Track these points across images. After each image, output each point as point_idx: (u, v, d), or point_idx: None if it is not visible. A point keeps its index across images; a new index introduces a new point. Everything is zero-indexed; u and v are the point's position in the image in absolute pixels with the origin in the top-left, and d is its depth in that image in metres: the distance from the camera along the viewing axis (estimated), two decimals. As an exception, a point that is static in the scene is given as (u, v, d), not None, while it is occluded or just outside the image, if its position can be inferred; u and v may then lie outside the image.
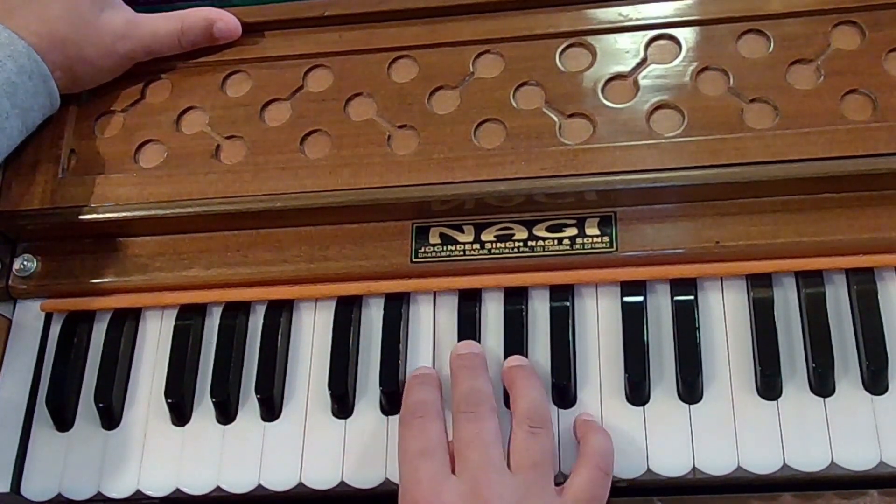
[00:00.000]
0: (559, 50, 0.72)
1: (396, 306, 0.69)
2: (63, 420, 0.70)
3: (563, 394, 0.65)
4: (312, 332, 0.70)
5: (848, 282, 0.65)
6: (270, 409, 0.68)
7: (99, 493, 0.68)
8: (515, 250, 0.68)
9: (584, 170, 0.67)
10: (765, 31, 0.70)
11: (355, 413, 0.67)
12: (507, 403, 0.65)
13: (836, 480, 0.62)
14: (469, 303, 0.69)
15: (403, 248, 0.69)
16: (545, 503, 0.58)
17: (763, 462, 0.62)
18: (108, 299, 0.72)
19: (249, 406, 0.69)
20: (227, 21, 0.75)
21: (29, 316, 0.74)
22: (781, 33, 0.69)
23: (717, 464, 0.62)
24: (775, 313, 0.64)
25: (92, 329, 0.73)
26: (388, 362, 0.68)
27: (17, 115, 0.69)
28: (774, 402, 0.63)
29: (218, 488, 0.67)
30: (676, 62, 0.70)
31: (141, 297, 0.72)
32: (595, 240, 0.67)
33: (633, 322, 0.66)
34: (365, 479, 0.65)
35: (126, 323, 0.72)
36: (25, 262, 0.73)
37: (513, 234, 0.69)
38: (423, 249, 0.69)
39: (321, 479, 0.66)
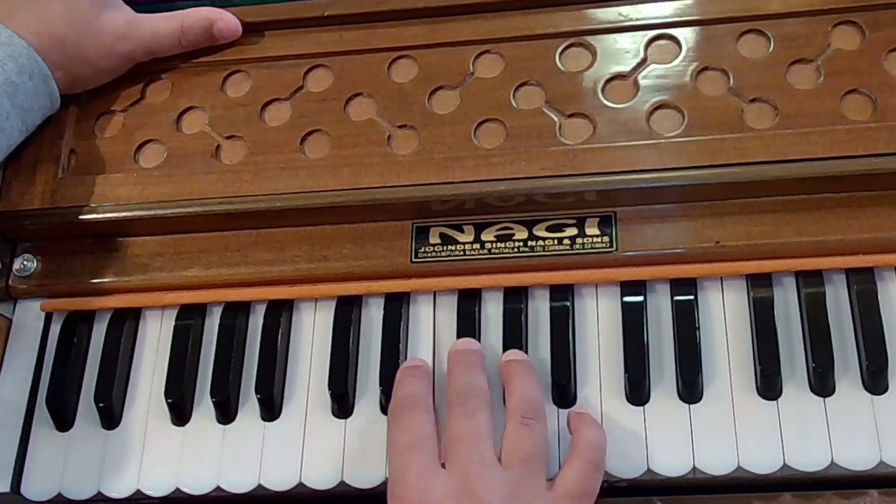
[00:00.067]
0: (559, 50, 0.72)
1: (396, 306, 0.69)
2: (63, 420, 0.70)
3: (564, 393, 0.65)
4: (312, 332, 0.70)
5: (848, 282, 0.65)
6: (270, 409, 0.68)
7: (99, 493, 0.68)
8: (515, 250, 0.68)
9: (584, 170, 0.67)
10: (765, 31, 0.70)
11: (355, 413, 0.67)
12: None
13: (836, 480, 0.62)
14: (469, 303, 0.69)
15: (403, 248, 0.70)
16: (535, 498, 0.57)
17: (763, 462, 0.62)
18: (108, 299, 0.72)
19: (249, 406, 0.69)
20: (227, 21, 0.75)
21: (29, 316, 0.74)
22: (781, 33, 0.69)
23: (717, 464, 0.62)
24: (775, 313, 0.65)
25: (92, 329, 0.73)
26: (388, 362, 0.68)
27: (17, 115, 0.69)
28: (774, 402, 0.63)
29: (218, 488, 0.67)
30: (676, 62, 0.70)
31: (141, 297, 0.72)
32: (595, 240, 0.67)
33: (633, 322, 0.66)
34: (365, 478, 0.65)
35: (126, 323, 0.72)
36: (25, 262, 0.73)
37: (513, 234, 0.69)
38: (423, 249, 0.69)
39: (321, 479, 0.66)
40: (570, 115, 0.69)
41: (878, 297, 0.64)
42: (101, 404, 0.69)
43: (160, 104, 0.76)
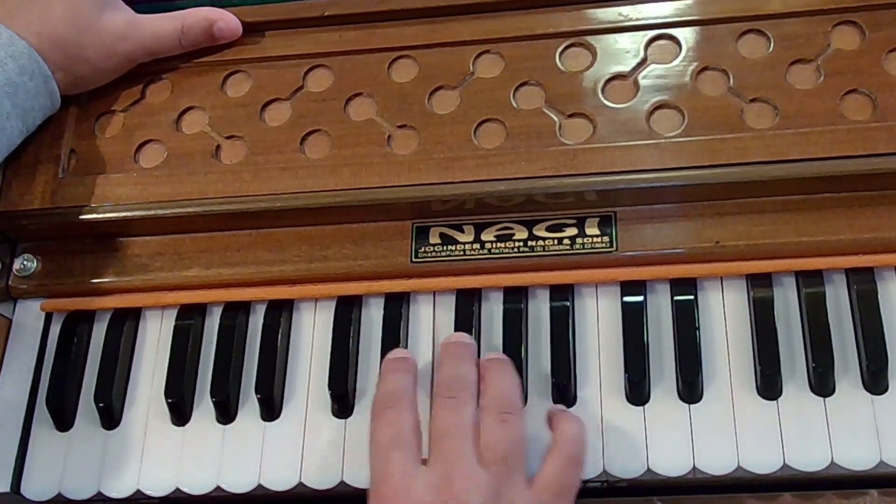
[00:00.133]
0: (559, 50, 0.72)
1: (396, 306, 0.69)
2: (63, 420, 0.70)
3: (564, 393, 0.65)
4: (312, 332, 0.70)
5: (848, 282, 0.65)
6: (270, 409, 0.68)
7: (99, 493, 0.68)
8: (515, 250, 0.68)
9: (584, 170, 0.67)
10: (765, 31, 0.70)
11: (355, 413, 0.67)
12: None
13: (836, 480, 0.62)
14: (469, 302, 0.69)
15: (403, 248, 0.70)
16: (517, 496, 0.57)
17: (763, 462, 0.62)
18: (108, 299, 0.72)
19: (249, 406, 0.69)
20: (227, 21, 0.75)
21: (29, 316, 0.74)
22: (781, 33, 0.69)
23: (717, 464, 0.62)
24: (775, 313, 0.65)
25: (92, 329, 0.73)
26: (388, 362, 0.68)
27: (17, 115, 0.69)
28: (774, 401, 0.63)
29: (218, 488, 0.67)
30: (676, 62, 0.70)
31: (141, 297, 0.72)
32: (595, 240, 0.68)
33: (633, 322, 0.66)
34: (365, 478, 0.64)
35: (126, 323, 0.72)
36: (25, 262, 0.73)
37: (513, 234, 0.69)
38: (423, 249, 0.69)
39: (321, 479, 0.66)
40: (570, 115, 0.69)
41: (878, 297, 0.64)
42: (101, 404, 0.69)
43: (160, 104, 0.76)
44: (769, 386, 0.63)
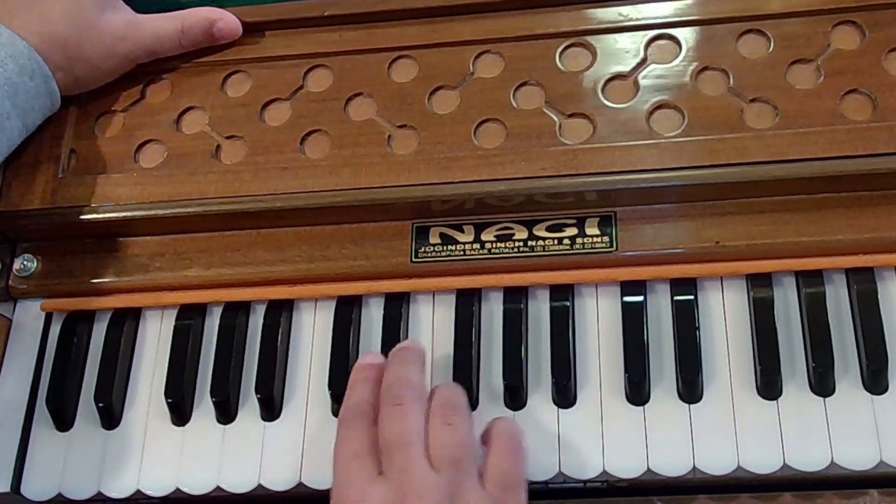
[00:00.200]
0: (559, 50, 0.72)
1: (396, 306, 0.69)
2: (63, 420, 0.70)
3: (564, 394, 0.65)
4: (312, 332, 0.70)
5: (848, 282, 0.65)
6: (270, 409, 0.68)
7: (99, 493, 0.68)
8: (515, 250, 0.68)
9: (584, 170, 0.67)
10: (765, 31, 0.70)
11: (355, 413, 0.67)
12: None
13: (836, 480, 0.62)
14: (469, 302, 0.69)
15: (403, 248, 0.70)
16: (471, 497, 0.57)
17: (763, 462, 0.62)
18: (108, 299, 0.72)
19: (249, 406, 0.69)
20: (227, 21, 0.75)
21: (29, 316, 0.74)
22: (781, 33, 0.69)
23: (717, 464, 0.62)
24: (775, 313, 0.65)
25: (92, 329, 0.73)
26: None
27: (17, 115, 0.69)
28: (774, 401, 0.63)
29: (218, 488, 0.67)
30: (676, 62, 0.70)
31: (141, 297, 0.72)
32: (595, 240, 0.67)
33: (633, 322, 0.66)
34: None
35: (126, 323, 0.72)
36: (25, 262, 0.73)
37: (513, 234, 0.69)
38: (423, 249, 0.69)
39: (321, 478, 0.66)
40: (570, 115, 0.69)
41: (878, 297, 0.64)
42: (101, 404, 0.69)
43: (160, 104, 0.76)
44: (769, 386, 0.63)
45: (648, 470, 0.63)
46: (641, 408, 0.64)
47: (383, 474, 0.58)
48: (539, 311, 0.68)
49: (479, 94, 0.71)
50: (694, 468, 0.62)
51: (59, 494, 0.68)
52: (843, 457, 0.61)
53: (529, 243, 0.68)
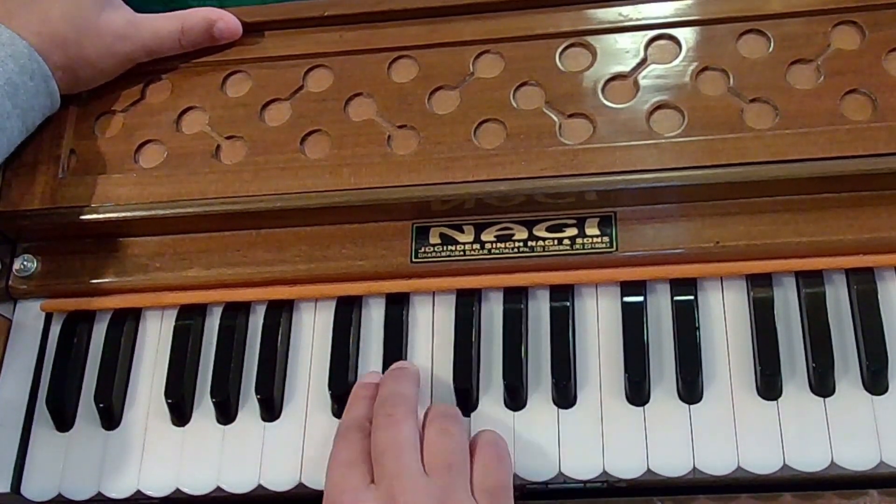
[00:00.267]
0: (559, 50, 0.72)
1: (396, 306, 0.69)
2: (63, 420, 0.70)
3: (564, 394, 0.65)
4: (312, 332, 0.70)
5: (848, 282, 0.65)
6: (270, 409, 0.68)
7: (99, 493, 0.68)
8: (515, 250, 0.68)
9: (584, 170, 0.67)
10: (765, 31, 0.70)
11: (355, 413, 0.67)
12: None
13: (836, 480, 0.62)
14: (469, 303, 0.69)
15: (403, 248, 0.69)
16: (461, 502, 0.57)
17: (763, 462, 0.62)
18: (108, 299, 0.72)
19: (249, 406, 0.69)
20: (227, 21, 0.75)
21: (29, 316, 0.74)
22: (781, 33, 0.69)
23: (717, 464, 0.62)
24: (775, 313, 0.64)
25: (92, 329, 0.73)
26: (389, 362, 0.67)
27: (17, 115, 0.69)
28: (774, 402, 0.63)
29: (218, 488, 0.67)
30: (676, 62, 0.70)
31: (141, 297, 0.72)
32: (595, 240, 0.67)
33: (633, 322, 0.66)
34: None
35: (126, 323, 0.72)
36: (25, 262, 0.73)
37: (513, 234, 0.69)
38: (423, 249, 0.69)
39: (321, 479, 0.65)
40: (570, 115, 0.69)
41: (878, 297, 0.64)
42: (101, 404, 0.69)
43: (160, 104, 0.76)
44: (769, 386, 0.63)
45: (648, 470, 0.63)
46: (641, 408, 0.64)
47: (375, 481, 0.58)
48: (539, 311, 0.68)
49: (479, 94, 0.71)
50: (694, 468, 0.62)
51: (59, 495, 0.68)
52: (843, 457, 0.61)
53: (529, 243, 0.68)
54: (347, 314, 0.70)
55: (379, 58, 0.74)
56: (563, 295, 0.68)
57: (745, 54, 0.69)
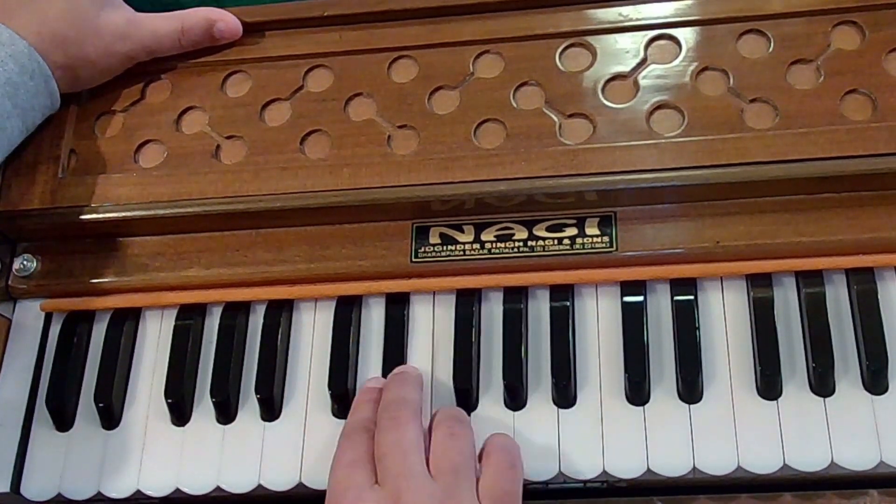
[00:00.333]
0: (559, 50, 0.72)
1: (396, 306, 0.69)
2: (63, 420, 0.70)
3: (564, 394, 0.65)
4: (312, 332, 0.70)
5: (848, 282, 0.65)
6: (270, 409, 0.68)
7: (99, 493, 0.68)
8: (515, 250, 0.68)
9: (584, 170, 0.67)
10: (765, 31, 0.70)
11: (355, 413, 0.67)
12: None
13: (836, 480, 0.62)
14: (469, 303, 0.69)
15: (403, 248, 0.69)
16: None
17: (763, 462, 0.62)
18: (108, 299, 0.72)
19: (249, 406, 0.69)
20: (227, 21, 0.75)
21: (29, 316, 0.74)
22: (781, 33, 0.69)
23: (717, 464, 0.62)
24: (775, 313, 0.64)
25: (92, 329, 0.73)
26: (389, 362, 0.68)
27: (17, 115, 0.69)
28: (774, 402, 0.63)
29: (218, 488, 0.67)
30: (676, 62, 0.70)
31: (141, 297, 0.72)
32: (595, 240, 0.67)
33: (633, 322, 0.66)
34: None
35: (126, 323, 0.72)
36: (25, 262, 0.73)
37: (513, 234, 0.69)
38: (423, 249, 0.69)
39: (321, 478, 0.65)
40: (570, 115, 0.69)
41: (878, 297, 0.64)
42: (101, 404, 0.69)
43: (160, 104, 0.76)
44: (769, 386, 0.63)
45: (648, 470, 0.63)
46: (641, 408, 0.64)
47: (379, 482, 0.58)
48: (539, 311, 0.68)
49: (479, 94, 0.71)
50: (694, 468, 0.62)
51: (59, 494, 0.68)
52: (843, 457, 0.61)
53: (529, 243, 0.68)
54: (347, 314, 0.69)
55: (379, 58, 0.74)
56: (563, 295, 0.68)
57: (745, 54, 0.69)
